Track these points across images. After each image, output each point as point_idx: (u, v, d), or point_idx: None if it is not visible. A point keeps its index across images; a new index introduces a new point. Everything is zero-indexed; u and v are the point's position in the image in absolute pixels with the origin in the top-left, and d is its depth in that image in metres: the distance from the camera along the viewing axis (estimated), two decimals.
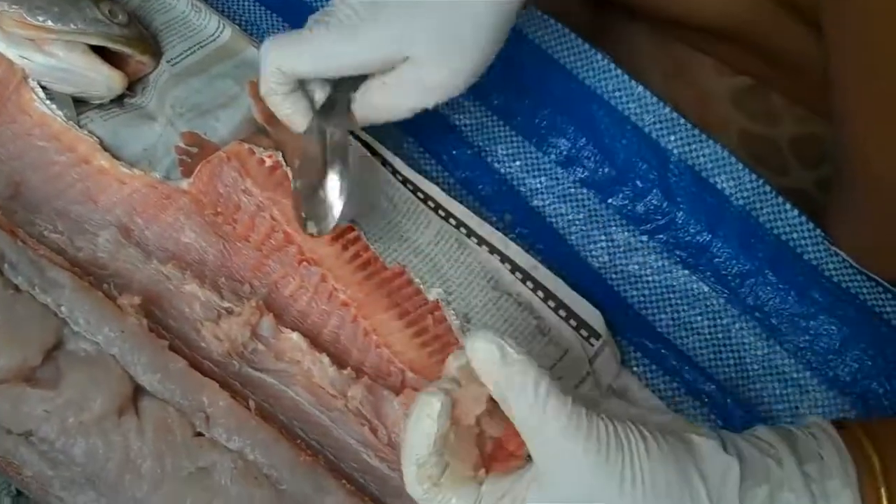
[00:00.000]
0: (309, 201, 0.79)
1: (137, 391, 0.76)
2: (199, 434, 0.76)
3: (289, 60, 0.77)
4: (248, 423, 0.76)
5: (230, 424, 0.76)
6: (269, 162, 0.85)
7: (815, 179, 1.01)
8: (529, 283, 0.87)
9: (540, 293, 0.87)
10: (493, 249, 0.88)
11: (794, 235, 0.86)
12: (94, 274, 0.80)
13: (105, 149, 0.86)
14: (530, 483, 0.62)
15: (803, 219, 0.86)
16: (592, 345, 0.86)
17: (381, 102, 0.79)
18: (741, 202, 0.87)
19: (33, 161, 0.84)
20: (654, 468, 0.60)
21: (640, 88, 0.90)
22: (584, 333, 0.86)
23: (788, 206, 0.86)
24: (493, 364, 0.61)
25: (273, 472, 0.76)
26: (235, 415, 0.76)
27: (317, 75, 0.79)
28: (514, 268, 0.88)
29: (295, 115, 0.80)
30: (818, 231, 0.85)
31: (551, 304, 0.87)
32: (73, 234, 0.82)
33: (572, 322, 0.87)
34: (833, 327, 0.85)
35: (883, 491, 0.61)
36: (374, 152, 0.91)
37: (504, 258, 0.88)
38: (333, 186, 0.78)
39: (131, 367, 0.76)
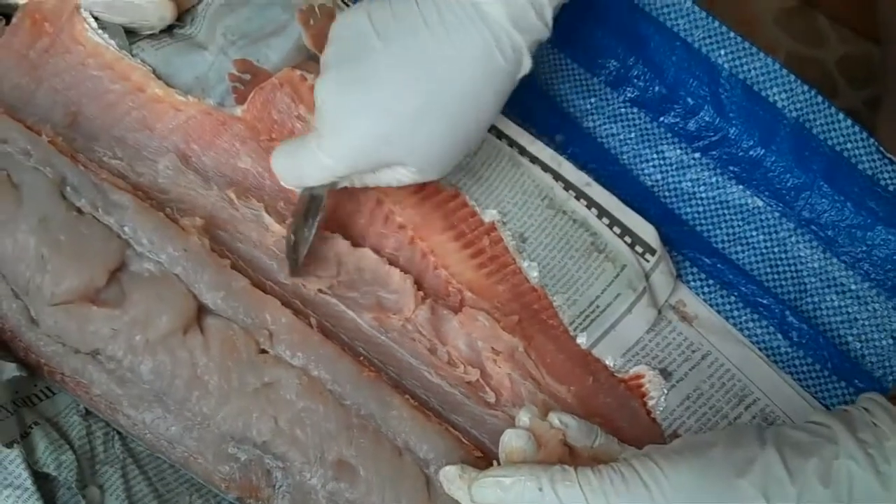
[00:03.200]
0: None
1: (201, 310, 0.77)
2: (264, 351, 0.77)
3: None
4: (311, 339, 0.77)
5: (293, 341, 0.77)
6: None
7: (863, 98, 1.01)
8: (583, 201, 0.88)
9: (594, 210, 0.87)
10: (545, 167, 0.88)
11: (849, 146, 0.86)
12: (156, 198, 0.81)
13: (158, 77, 0.86)
14: None
15: (857, 128, 0.85)
16: (648, 260, 0.87)
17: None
18: (794, 114, 0.87)
19: (88, 90, 0.85)
20: (676, 478, 0.63)
21: (689, 3, 0.89)
22: (640, 249, 0.87)
23: (842, 115, 0.86)
24: (499, 500, 0.66)
25: (336, 387, 0.76)
26: (298, 331, 0.77)
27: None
28: (567, 185, 0.88)
29: None
30: (872, 140, 0.85)
31: (605, 220, 0.87)
32: (132, 161, 0.82)
33: (627, 238, 0.87)
34: (891, 237, 0.85)
35: None
36: None
37: (557, 176, 0.88)
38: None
39: (195, 286, 0.76)
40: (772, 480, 0.62)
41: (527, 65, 0.74)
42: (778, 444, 0.63)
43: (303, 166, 0.77)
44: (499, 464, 0.71)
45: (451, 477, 0.71)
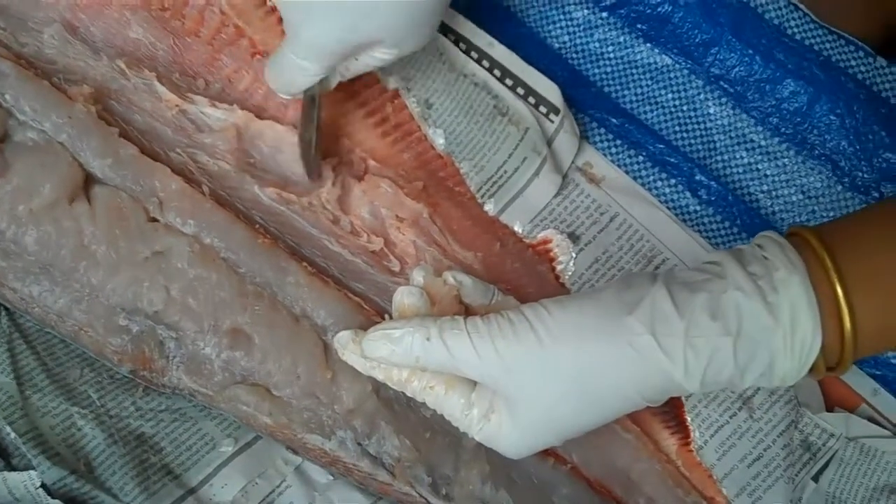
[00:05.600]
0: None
1: (88, 180, 0.74)
2: (154, 220, 0.75)
3: None
4: (203, 206, 0.75)
5: (184, 208, 0.75)
6: None
7: None
8: (486, 62, 0.85)
9: (497, 72, 0.85)
10: (445, 28, 0.86)
11: None
12: (42, 69, 0.78)
13: None
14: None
15: None
16: (552, 121, 0.85)
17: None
18: None
19: None
20: (564, 318, 0.63)
21: None
22: (543, 110, 0.85)
23: None
24: (390, 353, 0.66)
25: (231, 254, 0.75)
26: (189, 198, 0.75)
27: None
28: (469, 46, 0.86)
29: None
30: None
31: (509, 82, 0.85)
32: (15, 31, 0.79)
33: (531, 99, 0.85)
34: (799, 89, 0.84)
35: (834, 276, 0.61)
36: None
37: (458, 37, 0.86)
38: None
39: (81, 154, 0.74)
40: (659, 316, 0.61)
41: None
42: (668, 282, 0.63)
43: (286, 74, 0.76)
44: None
45: (343, 342, 0.70)
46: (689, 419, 0.80)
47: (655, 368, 0.62)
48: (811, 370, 0.63)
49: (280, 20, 0.80)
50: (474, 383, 0.66)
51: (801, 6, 0.82)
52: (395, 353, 0.66)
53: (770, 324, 0.61)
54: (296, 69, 0.75)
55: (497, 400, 0.65)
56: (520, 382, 0.64)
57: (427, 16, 0.73)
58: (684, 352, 0.61)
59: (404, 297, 0.69)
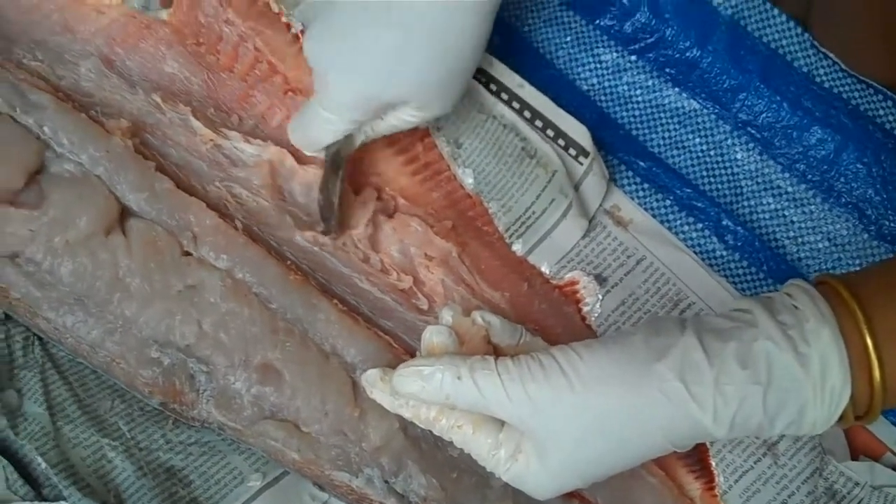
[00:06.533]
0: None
1: (124, 213, 0.75)
2: (188, 253, 0.75)
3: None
4: (236, 241, 0.76)
5: (218, 243, 0.75)
6: None
7: None
8: (515, 104, 0.86)
9: (527, 113, 0.86)
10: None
11: (784, 42, 0.85)
12: (79, 101, 0.78)
13: None
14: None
15: (792, 24, 0.85)
16: (581, 163, 0.85)
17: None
18: (729, 12, 0.86)
19: None
20: (594, 363, 0.63)
21: None
22: (573, 152, 0.86)
23: (777, 11, 0.85)
24: (420, 390, 0.66)
25: (262, 290, 0.75)
26: (223, 233, 0.76)
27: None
28: (500, 88, 0.86)
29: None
30: (807, 35, 0.84)
31: (538, 123, 0.86)
32: (53, 64, 0.80)
33: (560, 142, 0.86)
34: (826, 136, 0.84)
35: (864, 328, 0.61)
36: None
37: (489, 78, 0.86)
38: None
39: (117, 187, 0.75)
40: (689, 364, 0.62)
41: None
42: (697, 329, 0.63)
43: (312, 129, 0.77)
44: None
45: (372, 380, 0.70)
46: (713, 464, 0.80)
47: (684, 415, 0.62)
48: (840, 419, 0.63)
49: None
50: (502, 423, 0.67)
51: (831, 55, 0.83)
52: (426, 390, 0.66)
53: (801, 375, 0.61)
54: (322, 124, 0.76)
55: (525, 441, 0.66)
56: (549, 425, 0.64)
57: (454, 79, 0.75)
58: (714, 399, 0.61)
59: (433, 336, 0.70)
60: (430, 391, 0.66)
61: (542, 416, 0.64)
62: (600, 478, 0.66)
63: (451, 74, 0.74)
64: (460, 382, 0.65)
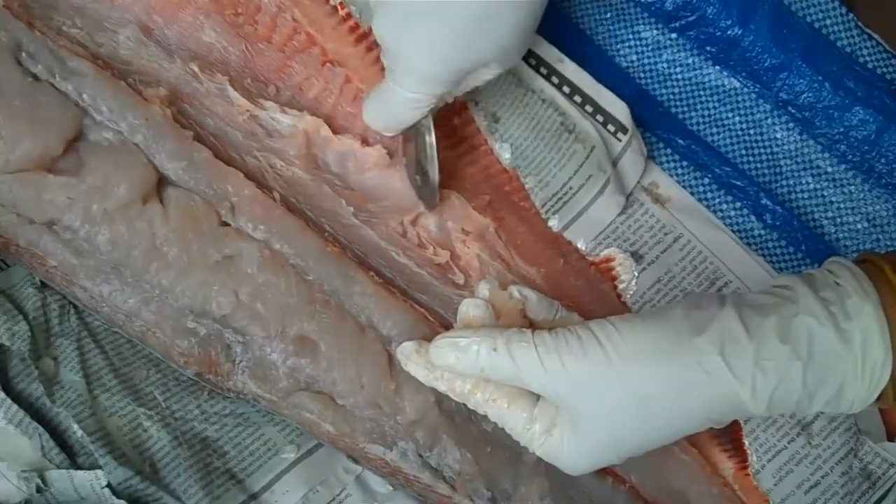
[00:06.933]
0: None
1: (162, 181, 0.75)
2: (225, 223, 0.75)
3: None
4: (274, 212, 0.76)
5: (255, 213, 0.75)
6: None
7: None
8: (554, 78, 0.86)
9: (566, 88, 0.85)
10: None
11: (827, 22, 0.84)
12: (117, 69, 0.78)
13: None
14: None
15: (836, 3, 0.84)
16: (619, 139, 0.85)
17: None
18: None
19: None
20: (633, 336, 0.63)
21: None
22: (611, 128, 0.85)
23: None
24: (456, 361, 0.66)
25: (299, 261, 0.75)
26: (261, 204, 0.75)
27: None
28: (539, 62, 0.86)
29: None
30: (851, 15, 0.83)
31: (577, 98, 0.85)
32: (92, 31, 0.79)
33: (599, 117, 0.85)
34: (868, 117, 0.84)
35: None
36: None
37: (529, 52, 0.86)
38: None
39: (156, 156, 0.74)
40: (728, 337, 0.61)
41: None
42: (737, 305, 0.63)
43: (392, 110, 0.76)
44: None
45: (407, 352, 0.70)
46: (747, 443, 0.80)
47: (723, 390, 0.62)
48: (879, 398, 0.63)
49: (352, 30, 0.81)
50: (537, 398, 0.66)
51: (875, 35, 0.82)
52: (461, 362, 0.66)
53: (841, 350, 0.61)
54: (404, 103, 0.75)
55: (560, 415, 0.65)
56: (585, 398, 0.64)
57: (532, 28, 0.74)
58: (753, 374, 0.61)
59: (470, 309, 0.69)
60: (465, 363, 0.65)
61: (578, 388, 0.63)
62: (635, 453, 0.66)
63: (532, 26, 0.73)
64: (496, 354, 0.64)
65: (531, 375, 0.64)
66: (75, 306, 0.75)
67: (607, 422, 0.64)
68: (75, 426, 0.71)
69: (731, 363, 0.61)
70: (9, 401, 0.69)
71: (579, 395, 0.64)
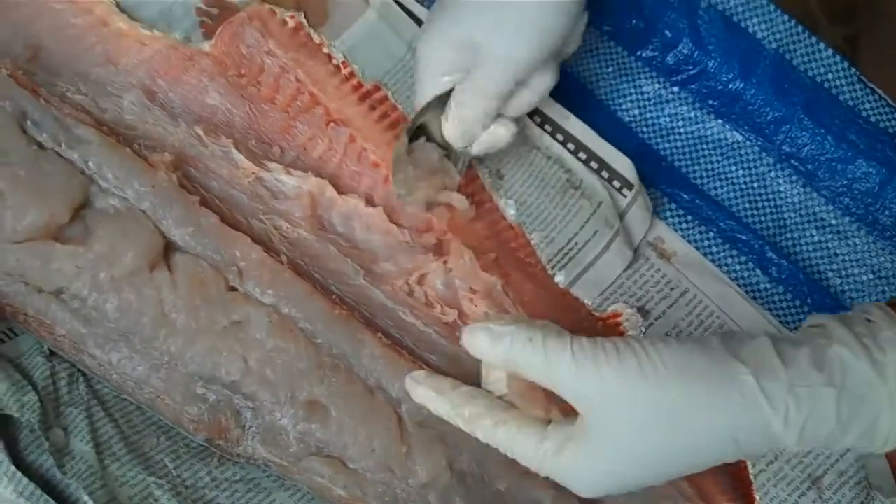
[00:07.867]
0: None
1: (169, 247, 0.75)
2: (233, 289, 0.75)
3: None
4: (282, 276, 0.76)
5: (263, 278, 0.75)
6: (291, 23, 0.84)
7: (844, 35, 0.99)
8: (559, 136, 0.86)
9: (570, 145, 0.86)
10: None
11: (829, 76, 0.84)
12: (122, 134, 0.78)
13: (122, 11, 0.83)
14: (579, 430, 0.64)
15: (838, 58, 0.84)
16: (625, 195, 0.85)
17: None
18: (774, 45, 0.85)
19: (51, 24, 0.82)
20: (669, 354, 0.62)
21: None
22: (617, 184, 0.85)
23: (822, 45, 0.84)
24: (489, 347, 0.64)
25: (308, 325, 0.75)
26: (269, 268, 0.76)
27: None
28: (544, 119, 0.86)
29: None
30: (853, 70, 0.84)
31: (582, 155, 0.85)
32: (96, 96, 0.80)
33: (604, 173, 0.85)
34: (871, 170, 0.84)
35: None
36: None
37: (535, 111, 0.86)
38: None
39: (162, 222, 0.75)
40: (763, 362, 0.61)
41: None
42: (771, 335, 0.63)
43: (470, 120, 0.77)
44: None
45: (419, 379, 0.70)
46: (757, 498, 0.80)
47: (754, 414, 0.61)
48: None
49: (355, 89, 0.82)
50: (548, 421, 0.65)
51: (878, 90, 0.83)
52: (493, 349, 0.64)
53: (876, 382, 0.60)
54: (479, 112, 0.77)
55: (578, 429, 0.63)
56: (614, 407, 0.62)
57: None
58: (786, 401, 0.60)
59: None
60: (497, 350, 0.64)
61: (610, 395, 0.62)
62: (655, 479, 0.64)
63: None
64: (530, 345, 0.63)
65: (561, 373, 0.62)
66: (84, 374, 0.75)
67: (632, 436, 0.62)
68: (86, 497, 0.70)
69: (765, 388, 0.60)
70: (19, 474, 0.68)
71: (609, 402, 0.62)
